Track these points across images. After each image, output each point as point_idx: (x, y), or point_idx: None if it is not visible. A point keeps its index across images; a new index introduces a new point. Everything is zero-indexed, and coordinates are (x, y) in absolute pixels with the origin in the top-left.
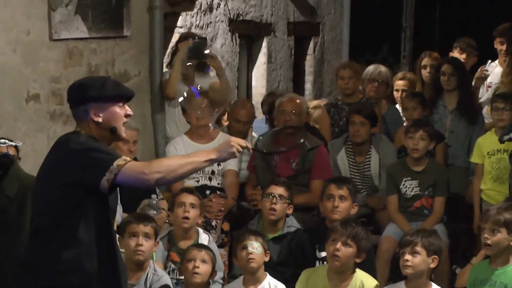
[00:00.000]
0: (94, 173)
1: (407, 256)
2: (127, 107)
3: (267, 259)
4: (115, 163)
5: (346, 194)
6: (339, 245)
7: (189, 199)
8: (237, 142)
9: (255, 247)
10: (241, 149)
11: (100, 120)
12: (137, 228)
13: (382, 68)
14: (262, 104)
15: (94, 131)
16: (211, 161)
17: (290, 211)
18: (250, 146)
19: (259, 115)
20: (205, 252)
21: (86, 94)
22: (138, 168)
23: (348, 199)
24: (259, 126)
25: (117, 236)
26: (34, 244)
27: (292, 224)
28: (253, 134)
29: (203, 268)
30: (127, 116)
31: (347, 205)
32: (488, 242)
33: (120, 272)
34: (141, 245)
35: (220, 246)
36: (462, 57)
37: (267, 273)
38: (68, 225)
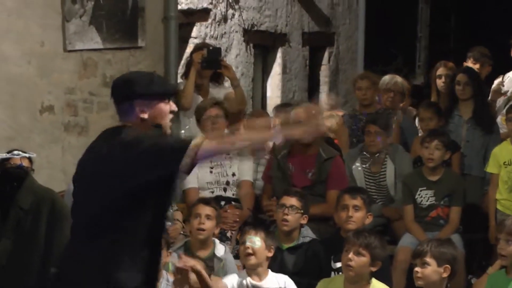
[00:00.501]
0: (173, 159)
1: (417, 268)
2: (172, 103)
3: (270, 254)
4: (191, 144)
5: (360, 204)
6: (351, 254)
7: (205, 210)
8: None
9: (253, 241)
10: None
11: (146, 116)
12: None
13: (398, 79)
14: (275, 111)
15: (138, 127)
16: (269, 139)
17: (304, 221)
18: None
19: None
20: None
21: (133, 90)
22: (218, 145)
23: (362, 209)
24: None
25: None
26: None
27: (307, 234)
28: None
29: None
30: (172, 112)
31: (361, 215)
32: (503, 252)
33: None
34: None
35: (235, 257)
36: (476, 66)
37: (269, 270)
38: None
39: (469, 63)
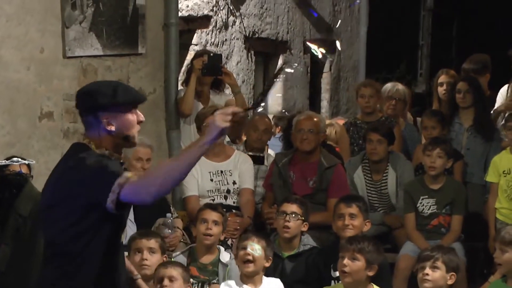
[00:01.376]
0: (101, 194)
1: (427, 270)
2: (139, 113)
3: (267, 265)
4: (116, 180)
5: (356, 212)
6: (346, 260)
7: (212, 215)
8: (220, 113)
9: (254, 248)
10: (227, 118)
11: (113, 129)
12: (140, 243)
13: (400, 86)
14: (276, 120)
15: (105, 140)
16: (205, 145)
17: (305, 229)
18: (237, 109)
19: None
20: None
21: (97, 103)
22: (137, 188)
23: (358, 217)
24: (274, 144)
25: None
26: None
27: (308, 242)
28: (270, 151)
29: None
30: (139, 122)
31: (358, 222)
32: (498, 261)
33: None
34: (146, 259)
35: None
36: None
37: (263, 276)
38: (86, 246)
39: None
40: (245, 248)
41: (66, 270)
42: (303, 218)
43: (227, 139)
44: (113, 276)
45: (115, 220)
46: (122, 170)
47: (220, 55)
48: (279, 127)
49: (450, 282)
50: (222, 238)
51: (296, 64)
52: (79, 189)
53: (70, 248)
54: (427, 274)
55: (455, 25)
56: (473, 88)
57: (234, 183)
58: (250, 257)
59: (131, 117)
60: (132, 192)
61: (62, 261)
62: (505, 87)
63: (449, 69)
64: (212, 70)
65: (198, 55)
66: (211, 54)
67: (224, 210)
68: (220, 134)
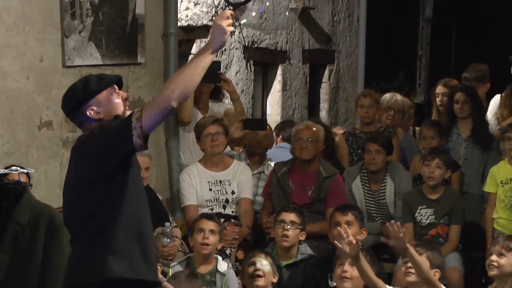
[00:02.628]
0: (123, 140)
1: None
2: (120, 92)
3: (275, 280)
4: (133, 118)
5: (352, 219)
6: (346, 266)
7: (209, 225)
8: (220, 18)
9: (263, 264)
10: (230, 23)
11: (101, 116)
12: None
13: (398, 97)
14: (277, 130)
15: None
16: (213, 53)
17: (302, 238)
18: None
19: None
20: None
21: (74, 99)
22: (153, 104)
23: (354, 225)
24: (275, 153)
25: None
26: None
27: (306, 251)
28: (270, 163)
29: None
30: (124, 99)
31: (354, 230)
32: (494, 263)
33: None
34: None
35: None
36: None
37: None
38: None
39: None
40: (254, 264)
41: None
42: (301, 227)
43: (228, 149)
44: (141, 230)
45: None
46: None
47: (219, 62)
48: (280, 136)
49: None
50: (219, 247)
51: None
52: (96, 155)
53: (100, 211)
54: (410, 267)
55: (454, 35)
56: (471, 98)
57: (233, 192)
58: (260, 272)
59: (113, 97)
60: (153, 113)
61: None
62: (498, 96)
63: (449, 79)
64: (211, 77)
65: None
66: None
67: (223, 219)
68: (226, 40)
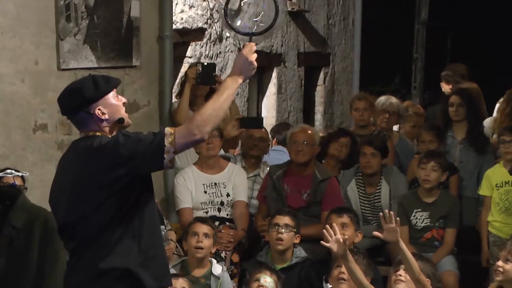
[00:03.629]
0: (154, 161)
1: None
2: (119, 96)
3: None
4: (166, 142)
5: (348, 221)
6: (343, 268)
7: (203, 228)
8: (248, 51)
9: (267, 281)
10: (255, 56)
11: (106, 116)
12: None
13: (393, 100)
14: (272, 132)
15: (105, 128)
16: (243, 81)
17: (297, 241)
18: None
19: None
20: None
21: (84, 97)
22: (186, 133)
23: (350, 227)
24: (270, 156)
25: None
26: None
27: (300, 255)
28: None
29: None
30: (124, 104)
31: (349, 233)
32: (500, 269)
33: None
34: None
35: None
36: (448, 87)
37: None
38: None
39: (443, 85)
40: (258, 280)
41: (109, 244)
42: (295, 230)
43: (222, 152)
44: (155, 241)
45: (145, 181)
46: (159, 133)
47: (214, 64)
48: (275, 139)
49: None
50: (214, 250)
51: None
52: (113, 166)
53: (110, 223)
54: (400, 275)
55: (449, 38)
56: (465, 101)
57: (228, 195)
58: None
59: (116, 101)
60: (185, 142)
61: (104, 238)
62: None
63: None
64: (206, 79)
65: (192, 67)
66: (205, 64)
67: (218, 222)
68: (253, 73)
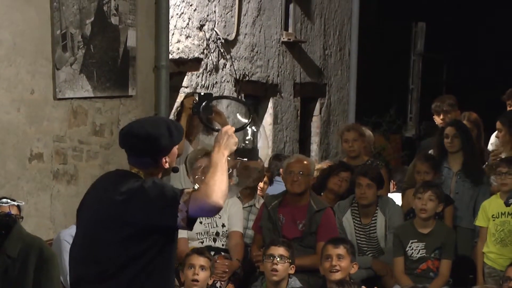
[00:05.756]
0: (168, 216)
1: None
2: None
3: None
4: (181, 199)
5: (344, 252)
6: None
7: (199, 261)
8: (227, 128)
9: None
10: (233, 131)
11: (167, 165)
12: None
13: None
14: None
15: (156, 173)
16: (227, 156)
17: (292, 271)
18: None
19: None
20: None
21: (158, 146)
22: (202, 202)
23: (346, 258)
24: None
25: None
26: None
27: (295, 285)
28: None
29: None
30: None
31: (345, 264)
32: None
33: None
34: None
35: None
36: (439, 118)
37: None
38: (149, 263)
39: (435, 117)
40: None
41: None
42: (290, 260)
43: None
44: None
45: (171, 236)
46: (178, 190)
47: (211, 94)
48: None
49: None
50: (210, 282)
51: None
52: (143, 214)
53: (134, 266)
54: None
55: (445, 69)
56: (460, 133)
57: (223, 225)
58: None
59: (176, 149)
60: (199, 209)
61: (124, 279)
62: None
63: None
64: (202, 109)
65: (188, 97)
66: (202, 94)
67: (213, 252)
68: (235, 146)
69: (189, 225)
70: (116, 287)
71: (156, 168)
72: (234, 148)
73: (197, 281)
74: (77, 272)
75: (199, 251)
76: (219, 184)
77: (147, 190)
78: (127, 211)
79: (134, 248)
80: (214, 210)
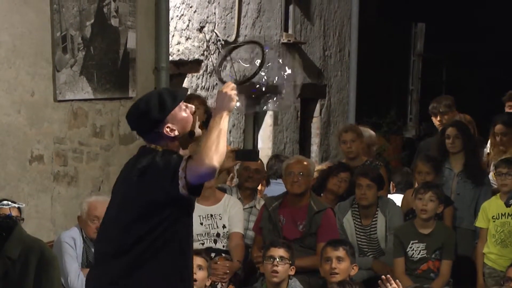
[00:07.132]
0: (171, 186)
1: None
2: (188, 105)
3: None
4: (180, 167)
5: (343, 255)
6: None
7: (196, 261)
8: (225, 87)
9: None
10: (235, 92)
11: (176, 133)
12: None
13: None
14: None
15: (172, 145)
16: (223, 116)
17: (292, 272)
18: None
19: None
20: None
21: (152, 120)
22: (198, 166)
23: (345, 260)
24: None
25: None
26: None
27: (296, 286)
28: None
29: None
30: (193, 113)
31: (345, 266)
32: None
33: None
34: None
35: None
36: (437, 119)
37: None
38: (164, 232)
39: (433, 118)
40: None
41: (145, 257)
42: (290, 262)
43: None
44: (186, 262)
45: (184, 209)
46: (180, 158)
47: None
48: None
49: None
50: (209, 283)
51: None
52: (155, 186)
53: (149, 237)
54: None
55: (445, 70)
56: (462, 134)
57: (224, 226)
58: None
59: (185, 113)
60: (197, 174)
61: (140, 249)
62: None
63: (465, 114)
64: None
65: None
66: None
67: (214, 254)
68: (233, 106)
69: (192, 192)
70: (130, 260)
71: (166, 140)
72: (233, 106)
73: (195, 280)
74: (96, 248)
75: (196, 252)
76: (212, 147)
77: (156, 164)
78: (141, 189)
79: (149, 221)
80: (210, 173)
